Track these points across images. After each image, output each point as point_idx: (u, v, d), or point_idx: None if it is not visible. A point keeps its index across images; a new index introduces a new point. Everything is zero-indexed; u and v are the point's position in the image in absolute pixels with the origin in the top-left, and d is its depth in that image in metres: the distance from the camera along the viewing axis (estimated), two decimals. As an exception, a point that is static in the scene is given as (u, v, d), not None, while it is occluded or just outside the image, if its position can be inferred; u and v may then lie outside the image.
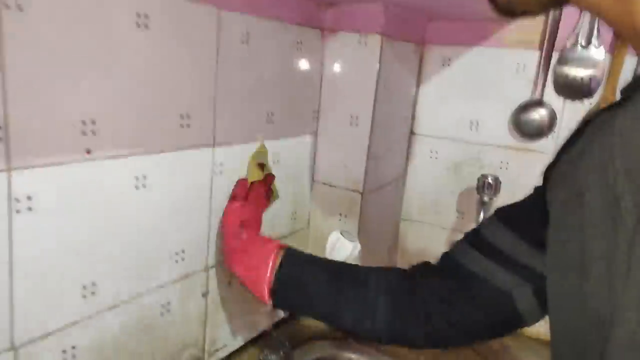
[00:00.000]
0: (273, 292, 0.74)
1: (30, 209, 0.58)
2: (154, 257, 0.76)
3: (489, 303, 0.62)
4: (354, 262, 0.83)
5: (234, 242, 0.80)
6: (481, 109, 1.18)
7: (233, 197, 0.85)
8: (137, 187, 0.70)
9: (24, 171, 0.56)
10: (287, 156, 1.03)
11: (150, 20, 0.67)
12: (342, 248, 0.82)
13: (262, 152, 0.92)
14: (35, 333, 0.61)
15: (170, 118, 0.73)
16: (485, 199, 1.09)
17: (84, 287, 0.66)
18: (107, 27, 0.62)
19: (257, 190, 0.88)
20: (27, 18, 0.53)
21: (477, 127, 1.18)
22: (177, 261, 0.81)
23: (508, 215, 0.62)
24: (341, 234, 0.83)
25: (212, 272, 0.89)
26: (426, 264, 0.73)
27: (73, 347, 0.66)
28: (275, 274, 0.74)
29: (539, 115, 1.08)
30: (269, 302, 0.74)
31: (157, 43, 0.68)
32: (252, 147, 0.92)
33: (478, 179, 1.11)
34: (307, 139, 1.08)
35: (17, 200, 0.56)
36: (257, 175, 0.88)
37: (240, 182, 0.86)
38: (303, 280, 0.73)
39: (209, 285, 0.89)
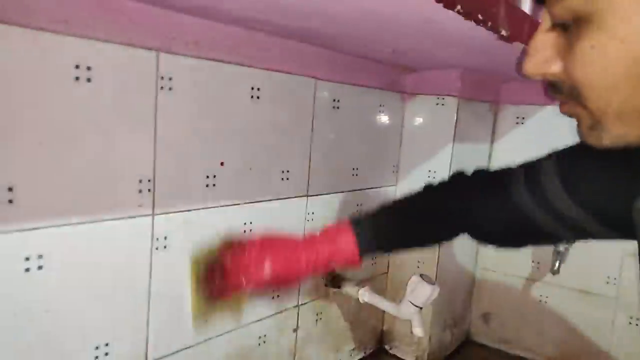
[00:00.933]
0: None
1: (165, 247, 0.71)
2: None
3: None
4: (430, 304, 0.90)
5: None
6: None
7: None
8: (244, 232, 0.83)
9: (162, 216, 0.70)
10: (369, 204, 1.12)
11: (261, 92, 0.81)
12: (422, 290, 0.89)
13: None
14: (162, 352, 0.73)
15: (273, 174, 0.86)
16: (561, 248, 1.12)
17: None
18: (229, 101, 0.76)
19: None
20: (176, 96, 0.68)
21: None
22: (272, 297, 0.91)
23: (569, 178, 0.61)
24: (421, 276, 0.90)
25: (303, 309, 0.99)
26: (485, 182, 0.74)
27: (189, 367, 0.78)
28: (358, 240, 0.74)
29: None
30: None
31: (264, 113, 0.82)
32: (338, 197, 1.03)
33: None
34: (388, 190, 1.18)
35: (157, 239, 0.70)
36: None
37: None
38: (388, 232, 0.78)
39: (299, 322, 0.99)
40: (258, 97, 0.81)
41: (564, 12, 0.38)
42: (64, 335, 0.62)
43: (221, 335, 0.82)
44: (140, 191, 0.66)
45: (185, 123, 0.71)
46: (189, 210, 0.74)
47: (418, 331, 0.92)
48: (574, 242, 1.12)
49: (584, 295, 1.21)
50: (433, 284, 0.90)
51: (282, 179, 0.88)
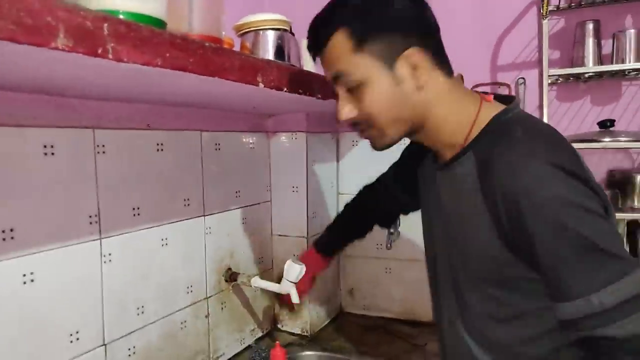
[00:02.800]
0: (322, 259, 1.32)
1: (110, 260, 1.03)
2: (176, 289, 1.21)
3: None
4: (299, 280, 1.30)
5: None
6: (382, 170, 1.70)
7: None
8: (162, 245, 1.16)
9: (106, 239, 1.02)
10: (251, 219, 1.51)
11: (164, 146, 1.16)
12: (293, 269, 1.28)
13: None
14: (113, 337, 1.04)
15: (178, 200, 1.21)
16: (391, 230, 1.59)
17: (137, 308, 1.10)
18: (143, 155, 1.11)
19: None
20: (107, 157, 1.01)
21: (381, 183, 1.71)
22: (188, 292, 1.25)
23: (394, 173, 1.23)
24: (292, 260, 1.30)
25: (211, 300, 1.33)
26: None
27: (134, 347, 1.09)
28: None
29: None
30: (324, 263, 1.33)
31: (168, 160, 1.17)
32: (228, 214, 1.39)
33: (384, 219, 1.61)
34: (265, 205, 1.57)
35: (104, 255, 1.01)
36: None
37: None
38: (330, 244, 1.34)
39: (209, 309, 1.33)
40: (162, 150, 1.16)
41: (351, 85, 0.79)
42: (47, 328, 0.91)
43: (154, 322, 1.14)
44: (90, 223, 0.98)
45: (116, 174, 1.04)
46: (123, 234, 1.06)
47: (295, 299, 1.31)
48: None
49: (414, 262, 1.70)
50: (301, 264, 1.30)
51: (185, 205, 1.23)
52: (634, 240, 1.39)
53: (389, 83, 0.78)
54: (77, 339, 0.96)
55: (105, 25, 0.60)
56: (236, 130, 1.43)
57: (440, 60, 0.81)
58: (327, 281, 1.71)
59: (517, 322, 0.80)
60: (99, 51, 0.59)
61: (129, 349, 1.08)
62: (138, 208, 1.09)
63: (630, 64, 1.38)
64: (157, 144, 1.14)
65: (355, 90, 0.79)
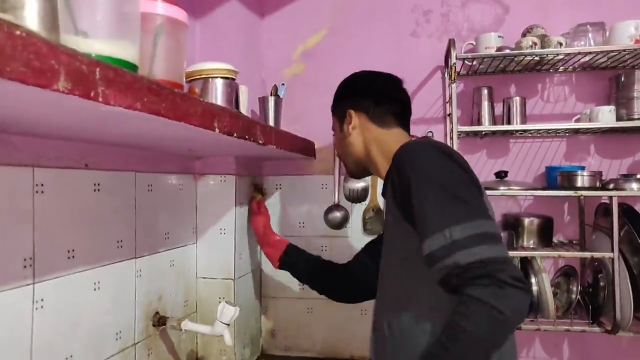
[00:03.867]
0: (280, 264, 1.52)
1: None
2: (102, 337, 1.15)
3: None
4: (234, 322, 1.31)
5: (262, 238, 1.60)
6: (304, 213, 1.79)
7: (253, 212, 1.65)
8: (94, 290, 1.12)
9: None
10: (178, 261, 1.49)
11: (100, 186, 1.14)
12: (228, 311, 1.28)
13: (256, 183, 1.69)
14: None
15: (111, 243, 1.18)
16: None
17: None
18: (80, 195, 1.08)
19: (261, 204, 1.68)
20: (45, 197, 0.98)
21: (304, 225, 1.79)
22: (117, 339, 1.20)
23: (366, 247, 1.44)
24: (226, 302, 1.30)
25: (139, 346, 1.28)
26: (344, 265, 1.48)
27: (62, 399, 1.02)
28: (282, 256, 1.52)
29: (339, 213, 1.72)
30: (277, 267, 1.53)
31: (104, 200, 1.15)
32: (156, 257, 1.37)
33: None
34: (191, 247, 1.56)
35: (36, 301, 0.96)
36: (259, 195, 1.69)
37: (252, 201, 1.67)
38: (297, 262, 1.52)
39: (136, 357, 1.28)
40: (99, 190, 1.13)
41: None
42: (-23, 380, 0.83)
43: (82, 371, 1.08)
44: (24, 267, 0.93)
45: (53, 215, 1.00)
46: (58, 277, 1.01)
47: (228, 340, 1.31)
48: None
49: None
50: (235, 306, 1.31)
51: (118, 247, 1.20)
52: (526, 274, 1.60)
53: (339, 133, 1.26)
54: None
55: (98, 69, 0.62)
56: (167, 172, 1.43)
57: (376, 117, 1.18)
58: (248, 322, 1.72)
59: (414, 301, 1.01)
60: (92, 94, 0.61)
61: (56, 403, 1.01)
62: (73, 250, 1.05)
63: (516, 126, 1.64)
64: (94, 184, 1.12)
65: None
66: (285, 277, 1.81)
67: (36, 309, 0.96)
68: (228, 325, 1.31)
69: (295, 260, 1.52)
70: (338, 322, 1.78)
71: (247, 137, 1.11)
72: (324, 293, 1.49)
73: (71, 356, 1.05)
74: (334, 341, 1.78)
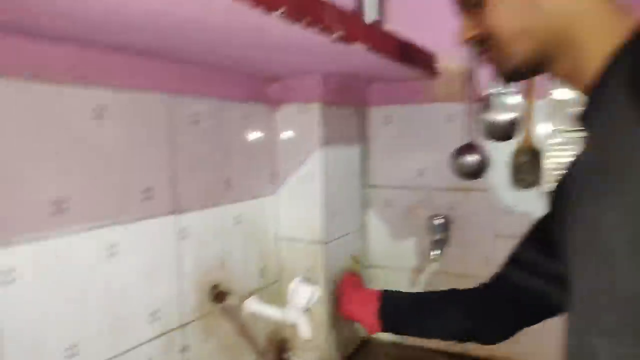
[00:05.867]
0: (381, 325, 1.02)
1: (12, 280, 0.66)
2: (130, 319, 0.84)
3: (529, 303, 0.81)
4: (313, 306, 0.92)
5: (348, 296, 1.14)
6: (424, 157, 1.31)
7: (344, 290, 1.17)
8: (108, 256, 0.80)
9: (4, 248, 0.65)
10: (250, 217, 1.13)
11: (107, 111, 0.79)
12: (303, 293, 0.90)
13: (356, 256, 1.31)
14: (20, 395, 0.68)
15: (134, 192, 0.84)
16: (438, 236, 1.19)
17: (66, 349, 0.74)
18: (70, 123, 0.74)
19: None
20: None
21: (423, 174, 1.31)
22: (153, 320, 0.88)
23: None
24: (301, 280, 0.92)
25: (190, 328, 0.96)
26: (483, 285, 0.92)
27: (57, 408, 0.73)
28: (379, 312, 1.02)
29: (472, 157, 1.21)
30: (380, 330, 1.04)
31: (115, 131, 0.80)
32: (212, 212, 1.02)
33: (427, 221, 1.21)
34: (268, 200, 1.19)
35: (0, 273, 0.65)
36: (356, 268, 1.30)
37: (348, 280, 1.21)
38: (400, 313, 1.00)
39: (187, 342, 0.96)
40: (102, 117, 0.79)
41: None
42: None
43: (93, 367, 0.78)
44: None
45: (22, 147, 0.67)
46: (36, 240, 0.69)
47: (304, 333, 0.93)
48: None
49: (463, 278, 1.29)
50: (313, 285, 0.92)
51: (144, 198, 0.86)
52: None
53: None
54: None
55: None
56: (225, 98, 1.05)
57: None
58: (350, 299, 1.32)
59: None
60: None
61: (48, 413, 0.71)
62: (62, 203, 0.73)
63: None
64: (95, 109, 0.77)
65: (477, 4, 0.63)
66: (397, 243, 1.37)
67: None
68: (306, 310, 0.93)
69: (399, 303, 1.02)
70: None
71: (305, 19, 0.66)
72: (466, 337, 0.94)
73: (75, 346, 0.74)
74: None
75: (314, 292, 0.91)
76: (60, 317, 0.73)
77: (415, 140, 1.32)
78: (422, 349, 1.35)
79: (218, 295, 1.02)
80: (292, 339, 1.25)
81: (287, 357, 1.25)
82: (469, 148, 1.22)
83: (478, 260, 1.27)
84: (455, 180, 1.26)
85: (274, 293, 1.22)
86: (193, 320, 0.98)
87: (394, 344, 1.39)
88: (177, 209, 0.93)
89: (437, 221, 1.20)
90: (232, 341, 1.09)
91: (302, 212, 1.19)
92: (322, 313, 1.18)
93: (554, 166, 1.16)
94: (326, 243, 1.18)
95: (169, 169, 0.91)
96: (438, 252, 1.21)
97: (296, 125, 1.17)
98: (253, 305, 0.98)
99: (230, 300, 1.01)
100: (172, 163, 0.91)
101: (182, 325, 0.95)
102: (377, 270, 1.40)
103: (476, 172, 1.22)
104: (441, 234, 1.22)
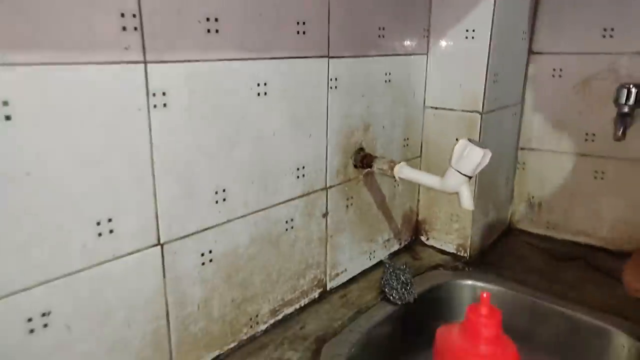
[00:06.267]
0: None
1: (165, 105, 0.58)
2: (277, 170, 0.75)
3: None
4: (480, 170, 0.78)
5: None
6: (617, 10, 1.04)
7: None
8: (258, 94, 0.69)
9: (158, 65, 0.57)
10: (399, 77, 0.98)
11: None
12: (472, 154, 0.76)
13: None
14: (176, 233, 0.63)
15: (287, 24, 0.71)
16: (626, 110, 0.97)
17: (216, 193, 0.67)
18: None
19: None
20: None
21: (613, 33, 1.05)
22: (298, 177, 0.79)
23: None
24: (469, 140, 0.77)
25: (332, 192, 0.87)
26: None
27: (210, 251, 0.67)
28: None
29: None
30: None
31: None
32: (364, 63, 0.88)
33: (617, 90, 0.98)
34: (419, 59, 1.02)
35: (154, 94, 0.57)
36: None
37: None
38: None
39: (328, 206, 0.87)
40: None
41: None
42: (54, 206, 0.50)
43: (244, 216, 0.71)
44: (124, 28, 0.53)
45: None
46: (189, 61, 0.60)
47: (468, 204, 0.80)
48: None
49: (648, 166, 1.07)
50: (484, 147, 0.76)
51: (298, 32, 0.73)
52: None
53: None
54: (111, 231, 0.56)
55: None
56: None
57: None
58: (496, 181, 1.16)
59: None
60: None
61: (202, 254, 0.66)
62: (215, 21, 0.62)
63: None
64: None
65: None
66: (561, 121, 1.16)
67: (154, 105, 0.57)
68: (470, 178, 0.79)
69: None
70: (646, 200, 1.09)
71: None
72: None
73: (223, 191, 0.67)
74: (631, 228, 1.11)
75: (485, 155, 0.76)
76: (211, 154, 0.65)
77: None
78: (580, 245, 1.18)
79: (364, 159, 0.91)
80: (430, 221, 1.13)
81: (424, 239, 1.15)
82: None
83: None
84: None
85: (415, 167, 1.10)
86: (337, 184, 0.88)
87: (540, 236, 1.23)
88: (330, 52, 0.80)
89: (627, 91, 0.97)
90: (371, 214, 1.00)
91: (458, 76, 1.01)
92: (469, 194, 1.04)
93: None
94: (483, 113, 1.00)
95: (324, 1, 0.76)
96: (623, 127, 0.98)
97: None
98: (405, 171, 0.86)
99: (378, 165, 0.89)
100: (326, -7, 0.77)
101: (325, 188, 0.86)
102: (531, 153, 1.21)
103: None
104: (630, 107, 0.98)
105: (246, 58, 0.66)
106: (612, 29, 1.05)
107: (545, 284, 0.99)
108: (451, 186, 0.80)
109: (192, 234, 0.64)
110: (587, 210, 1.16)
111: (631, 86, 0.96)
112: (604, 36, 1.06)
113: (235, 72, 0.65)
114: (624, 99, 0.97)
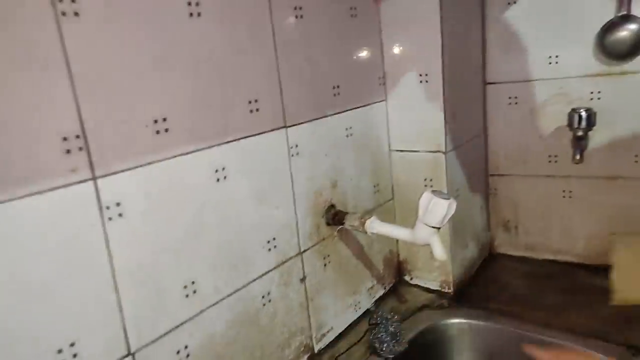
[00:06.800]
0: None
1: (120, 215, 0.58)
2: (247, 249, 0.75)
3: None
4: (447, 221, 0.78)
5: None
6: (559, 39, 1.07)
7: None
8: (218, 180, 0.69)
9: (108, 178, 0.56)
10: (360, 128, 0.98)
11: (200, 7, 0.65)
12: (437, 207, 0.76)
13: None
14: (147, 337, 0.62)
15: (238, 106, 0.71)
16: (580, 133, 0.99)
17: (185, 287, 0.66)
18: (162, 21, 0.60)
19: None
20: (85, 25, 0.53)
21: (557, 60, 1.08)
22: (269, 249, 0.79)
23: None
24: (433, 192, 0.78)
25: (307, 256, 0.87)
26: None
27: (185, 347, 0.66)
28: None
29: (628, 31, 0.97)
30: None
31: (210, 30, 0.67)
32: (322, 124, 0.88)
33: (569, 116, 1.01)
34: (378, 107, 1.03)
35: (108, 207, 0.56)
36: None
37: None
38: None
39: (305, 270, 0.87)
40: (199, 14, 0.65)
41: None
42: (5, 343, 0.49)
43: (216, 304, 0.70)
44: (68, 151, 0.52)
45: (109, 55, 0.55)
46: (141, 166, 0.59)
47: (440, 254, 0.80)
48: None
49: (612, 180, 1.09)
50: (448, 198, 0.77)
51: (251, 111, 0.73)
52: None
53: None
54: (74, 355, 0.54)
55: None
56: (326, -14, 0.87)
57: None
58: (470, 212, 1.17)
59: None
60: None
61: (177, 352, 0.65)
62: (163, 120, 0.61)
63: None
64: (189, 4, 0.63)
65: None
66: (524, 146, 1.18)
67: (109, 218, 0.56)
68: (438, 228, 0.79)
69: None
70: (615, 212, 1.11)
71: None
72: None
73: (192, 283, 0.67)
74: (603, 242, 1.12)
75: (450, 206, 0.77)
76: (176, 250, 0.64)
77: (548, 19, 1.08)
78: (558, 263, 1.19)
79: (335, 216, 0.91)
80: (412, 260, 1.14)
81: (408, 279, 1.15)
82: (622, 20, 0.97)
83: (626, 160, 1.06)
84: (601, 62, 1.03)
85: (389, 211, 1.10)
86: (311, 247, 0.88)
87: (521, 259, 1.24)
88: (286, 122, 0.80)
89: (578, 116, 0.99)
90: (351, 267, 0.99)
91: (418, 118, 1.02)
92: (445, 231, 1.05)
93: None
94: (447, 152, 1.01)
95: (275, 75, 0.77)
96: (580, 151, 1.00)
97: (407, 14, 0.97)
98: (376, 226, 0.86)
99: (350, 222, 0.89)
100: (278, 67, 0.77)
101: (299, 253, 0.86)
102: (501, 179, 1.23)
103: (632, 49, 0.98)
104: (583, 130, 1.01)
105: (201, 148, 0.66)
106: (557, 56, 1.08)
107: (529, 312, 0.99)
108: (422, 238, 0.80)
109: (165, 334, 0.63)
110: (561, 228, 1.18)
111: (581, 111, 0.99)
112: (550, 63, 1.09)
113: (191, 164, 0.65)
114: (577, 123, 1.00)
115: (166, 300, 0.63)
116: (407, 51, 0.99)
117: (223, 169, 0.70)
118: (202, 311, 0.68)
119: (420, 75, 0.99)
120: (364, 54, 0.98)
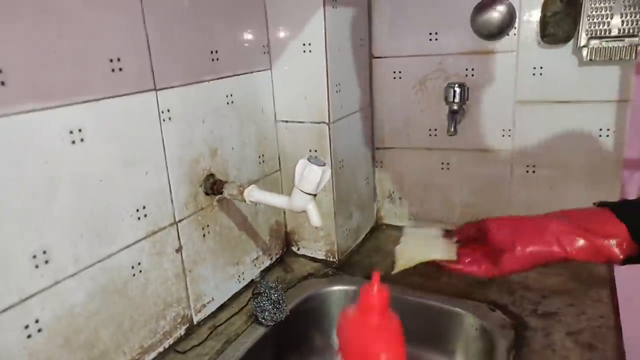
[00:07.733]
0: None
1: (-51, 175, 0.52)
2: (112, 217, 0.71)
3: None
4: (323, 187, 0.79)
5: None
6: (438, 17, 1.12)
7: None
8: (73, 142, 0.64)
9: None
10: (243, 96, 0.97)
11: (48, -50, 0.59)
12: (311, 174, 0.77)
13: None
14: (-12, 310, 0.56)
15: (97, 63, 0.67)
16: (455, 107, 1.05)
17: (34, 257, 0.61)
18: (-5, -39, 0.54)
19: None
20: None
21: (437, 37, 1.13)
22: (139, 218, 0.76)
23: None
24: (308, 159, 0.79)
25: (183, 225, 0.84)
26: None
27: (37, 321, 0.62)
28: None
29: (497, 12, 1.03)
30: None
31: (62, -23, 0.61)
32: (198, 89, 0.85)
33: (445, 90, 1.06)
34: (262, 75, 1.02)
35: None
36: None
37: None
38: None
39: (181, 240, 0.84)
40: (45, -41, 0.59)
41: None
42: None
43: (75, 274, 0.66)
44: None
45: None
46: None
47: (315, 221, 0.81)
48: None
49: (483, 153, 1.17)
50: (322, 165, 0.78)
51: (113, 70, 0.69)
52: None
53: None
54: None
55: None
56: (202, -56, 0.83)
57: None
58: (355, 183, 1.21)
59: None
60: None
61: (26, 326, 0.61)
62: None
63: None
64: (30, -56, 0.57)
65: None
66: (407, 120, 1.22)
67: None
68: (314, 195, 0.80)
69: None
70: (485, 182, 1.19)
71: None
72: None
73: (44, 252, 0.62)
74: (479, 209, 1.21)
75: (324, 172, 0.78)
76: (21, 218, 0.59)
77: (430, 9, 1.12)
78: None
79: (214, 185, 0.89)
80: (299, 231, 1.15)
81: (295, 250, 1.16)
82: (492, 1, 1.03)
83: (494, 134, 1.14)
84: (474, 41, 1.09)
85: (275, 182, 1.10)
86: (188, 216, 0.86)
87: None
88: (156, 85, 0.76)
89: (452, 91, 1.05)
90: (233, 237, 0.98)
91: (302, 89, 1.02)
92: (328, 201, 1.07)
93: (594, 18, 0.99)
94: (331, 123, 1.03)
95: (142, 32, 0.73)
96: (454, 124, 1.06)
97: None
98: (254, 194, 0.86)
99: (228, 190, 0.88)
100: (145, 23, 0.73)
101: (174, 223, 0.83)
102: (386, 152, 1.27)
103: (500, 30, 1.05)
104: (458, 105, 1.07)
105: (49, 107, 0.61)
106: (437, 33, 1.13)
107: (408, 277, 1.04)
108: (298, 206, 0.81)
109: (8, 308, 0.58)
110: (440, 199, 1.25)
111: (456, 86, 1.05)
112: (430, 40, 1.13)
113: (38, 123, 0.60)
114: (452, 97, 1.05)
115: (11, 271, 0.58)
116: (290, 20, 0.99)
117: (80, 130, 0.65)
118: (57, 282, 0.64)
119: (304, 44, 0.99)
120: (245, 19, 0.96)
